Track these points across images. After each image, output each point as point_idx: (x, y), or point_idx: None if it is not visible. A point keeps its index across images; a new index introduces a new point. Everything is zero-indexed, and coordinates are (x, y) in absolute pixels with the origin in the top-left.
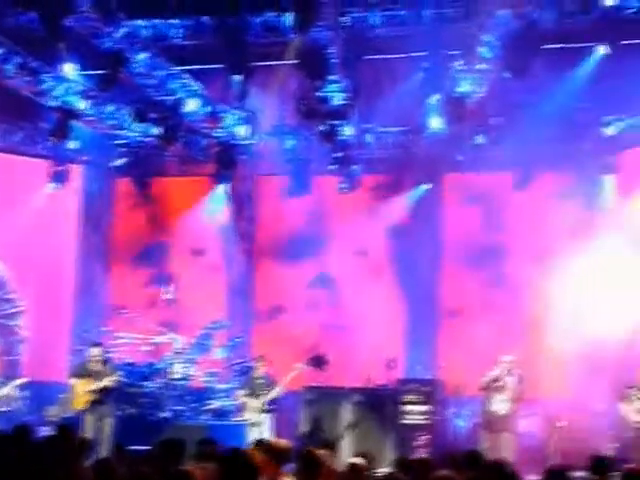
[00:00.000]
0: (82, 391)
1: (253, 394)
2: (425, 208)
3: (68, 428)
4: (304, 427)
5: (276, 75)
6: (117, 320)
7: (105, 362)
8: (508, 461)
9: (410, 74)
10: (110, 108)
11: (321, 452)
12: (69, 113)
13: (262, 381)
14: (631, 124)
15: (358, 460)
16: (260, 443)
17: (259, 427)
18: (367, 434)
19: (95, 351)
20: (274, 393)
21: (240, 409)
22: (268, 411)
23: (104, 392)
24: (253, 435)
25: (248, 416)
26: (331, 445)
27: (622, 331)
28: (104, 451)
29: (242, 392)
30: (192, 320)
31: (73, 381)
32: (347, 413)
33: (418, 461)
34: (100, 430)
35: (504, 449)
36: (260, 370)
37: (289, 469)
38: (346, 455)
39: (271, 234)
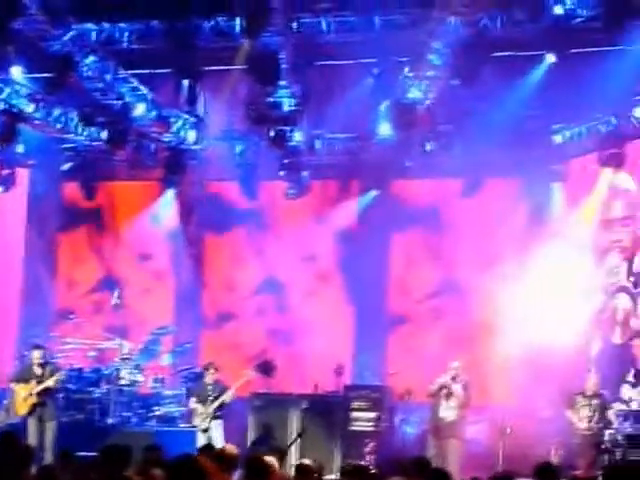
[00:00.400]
0: (24, 395)
1: (203, 400)
2: (374, 214)
3: (11, 435)
4: (253, 433)
5: (226, 80)
6: (64, 325)
7: (46, 364)
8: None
9: (360, 80)
10: (57, 112)
11: (269, 458)
12: (16, 116)
13: (212, 387)
14: (579, 132)
15: (306, 461)
16: (207, 449)
17: (209, 433)
18: (315, 441)
19: (36, 354)
20: (224, 399)
21: (189, 415)
22: (218, 417)
23: (46, 394)
24: (203, 441)
25: (197, 422)
26: (280, 452)
27: (569, 338)
28: (48, 456)
29: (192, 398)
30: (140, 326)
31: (14, 386)
32: (295, 420)
33: (365, 469)
34: (43, 434)
35: (452, 455)
36: (210, 376)
37: (237, 476)
38: (294, 462)
39: (219, 239)
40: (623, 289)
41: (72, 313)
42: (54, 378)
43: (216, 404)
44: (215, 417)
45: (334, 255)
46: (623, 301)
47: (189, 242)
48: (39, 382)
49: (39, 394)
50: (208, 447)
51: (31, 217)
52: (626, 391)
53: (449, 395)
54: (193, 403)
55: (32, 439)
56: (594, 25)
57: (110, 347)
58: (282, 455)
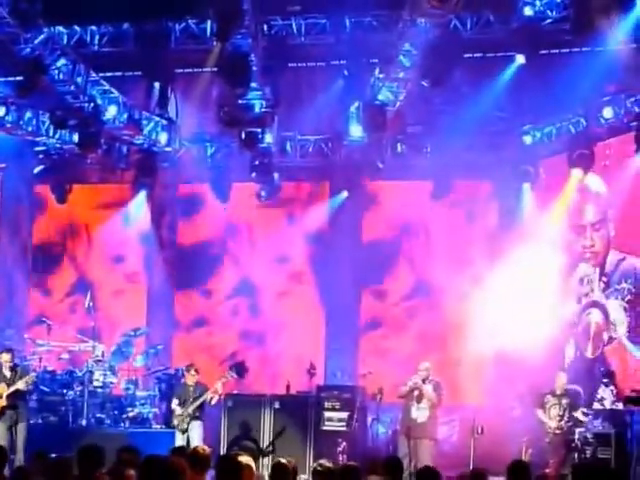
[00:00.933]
0: None
1: (183, 401)
2: (345, 215)
3: None
4: (226, 434)
5: (197, 82)
6: (38, 328)
7: (15, 367)
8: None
9: (330, 82)
10: (29, 115)
11: (245, 458)
12: None
13: (193, 388)
14: (549, 133)
15: (284, 460)
16: (179, 450)
17: (188, 434)
18: (287, 441)
19: (5, 357)
20: (205, 399)
21: (163, 416)
22: (197, 418)
23: (16, 396)
24: (181, 442)
25: (176, 423)
26: (256, 451)
27: (540, 339)
28: (19, 458)
29: (174, 399)
30: (112, 327)
31: None
32: (268, 420)
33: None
34: (14, 436)
35: (423, 455)
36: (191, 378)
37: (209, 476)
38: (266, 462)
39: (192, 241)
40: (595, 305)
41: (45, 316)
42: (24, 380)
43: (196, 405)
44: (195, 418)
45: (306, 256)
46: (595, 316)
47: (161, 244)
48: (9, 385)
49: (9, 397)
50: (180, 448)
51: (3, 220)
52: (600, 390)
53: (420, 396)
54: (174, 404)
55: (2, 441)
56: (563, 27)
57: (83, 349)
58: (258, 455)
